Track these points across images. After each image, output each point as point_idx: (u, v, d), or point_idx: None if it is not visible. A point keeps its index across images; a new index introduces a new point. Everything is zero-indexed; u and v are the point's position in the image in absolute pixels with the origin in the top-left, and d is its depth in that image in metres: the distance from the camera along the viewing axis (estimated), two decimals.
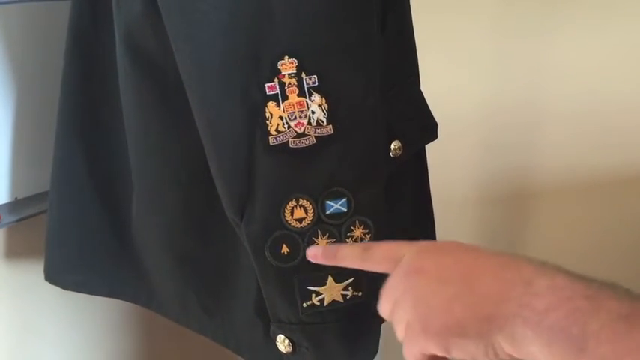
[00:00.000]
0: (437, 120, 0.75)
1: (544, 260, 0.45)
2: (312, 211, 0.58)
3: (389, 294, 0.51)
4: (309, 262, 0.58)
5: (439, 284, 0.48)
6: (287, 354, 0.63)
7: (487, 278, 0.46)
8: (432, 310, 0.47)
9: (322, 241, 0.59)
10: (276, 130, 0.57)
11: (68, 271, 0.80)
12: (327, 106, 0.57)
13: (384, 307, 0.53)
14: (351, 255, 0.55)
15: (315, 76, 0.57)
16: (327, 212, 0.58)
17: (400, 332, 0.51)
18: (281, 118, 0.57)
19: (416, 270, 0.50)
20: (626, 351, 0.37)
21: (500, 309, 0.43)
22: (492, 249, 0.51)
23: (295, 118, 0.57)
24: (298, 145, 0.57)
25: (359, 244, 0.57)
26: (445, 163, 1.12)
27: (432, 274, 0.49)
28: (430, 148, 0.76)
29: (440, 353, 0.48)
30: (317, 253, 0.57)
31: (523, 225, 1.43)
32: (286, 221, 0.58)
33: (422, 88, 0.74)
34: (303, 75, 0.57)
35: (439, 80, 1.05)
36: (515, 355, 0.43)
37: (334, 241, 0.59)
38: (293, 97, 0.57)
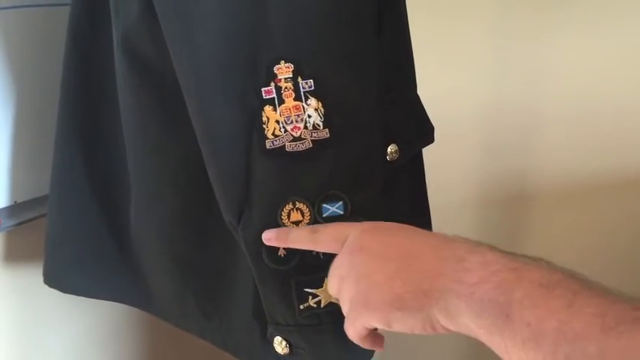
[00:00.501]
0: (435, 122, 0.75)
1: (478, 241, 0.48)
2: (308, 214, 0.58)
3: (335, 272, 0.54)
4: (306, 264, 0.59)
5: (381, 262, 0.51)
6: (284, 356, 0.63)
7: (425, 256, 0.49)
8: (374, 285, 0.50)
9: None
10: (273, 133, 0.57)
11: (67, 274, 0.81)
12: (323, 110, 0.58)
13: (331, 285, 0.55)
14: (300, 237, 0.58)
15: (312, 80, 0.57)
16: (324, 215, 0.59)
17: (345, 308, 0.53)
18: (278, 122, 0.57)
19: (360, 249, 0.52)
20: (545, 314, 0.40)
21: (435, 284, 0.46)
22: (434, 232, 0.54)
23: (292, 122, 0.57)
24: (295, 149, 0.58)
25: (308, 227, 0.58)
26: (444, 165, 1.12)
27: (375, 253, 0.52)
28: (429, 151, 0.76)
29: (381, 327, 0.51)
30: (271, 236, 0.58)
31: (522, 227, 1.44)
32: (283, 224, 0.58)
33: (420, 90, 0.74)
34: (299, 79, 0.57)
35: (438, 82, 1.06)
36: (451, 328, 0.46)
37: None
38: (289, 102, 0.57)
